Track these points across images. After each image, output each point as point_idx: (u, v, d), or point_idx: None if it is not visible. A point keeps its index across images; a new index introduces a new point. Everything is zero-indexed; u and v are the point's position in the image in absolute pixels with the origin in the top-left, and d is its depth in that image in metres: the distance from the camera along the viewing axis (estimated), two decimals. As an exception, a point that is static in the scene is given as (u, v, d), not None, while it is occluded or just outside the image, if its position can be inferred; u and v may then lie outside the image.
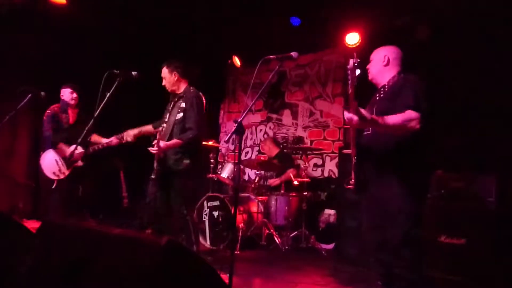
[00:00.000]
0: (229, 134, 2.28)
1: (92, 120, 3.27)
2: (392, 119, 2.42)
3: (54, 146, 4.22)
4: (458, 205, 3.51)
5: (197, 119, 3.40)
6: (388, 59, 2.78)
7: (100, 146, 4.15)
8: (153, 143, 3.30)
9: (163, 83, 3.63)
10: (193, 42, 6.16)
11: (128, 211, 6.41)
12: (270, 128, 6.98)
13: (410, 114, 2.44)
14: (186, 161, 3.37)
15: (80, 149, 4.07)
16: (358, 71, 2.30)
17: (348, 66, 2.26)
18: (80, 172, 4.21)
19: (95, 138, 4.34)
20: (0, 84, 5.07)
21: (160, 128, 3.51)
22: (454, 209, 3.52)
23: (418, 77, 2.64)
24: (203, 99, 3.57)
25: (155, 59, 3.72)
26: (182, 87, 3.60)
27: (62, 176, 4.10)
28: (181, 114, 3.42)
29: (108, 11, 5.25)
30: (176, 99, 3.59)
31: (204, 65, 6.95)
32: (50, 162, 4.14)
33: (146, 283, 1.26)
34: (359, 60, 2.26)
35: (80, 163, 4.18)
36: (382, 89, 2.78)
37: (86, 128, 3.25)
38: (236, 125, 2.16)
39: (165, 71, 3.58)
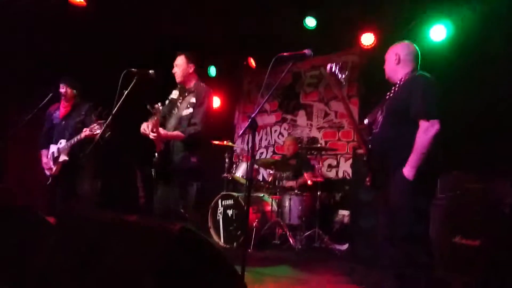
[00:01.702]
0: (243, 129, 2.32)
1: (111, 117, 3.34)
2: (418, 148, 2.45)
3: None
4: (474, 206, 3.47)
5: (204, 116, 3.28)
6: (399, 57, 2.79)
7: (76, 139, 4.02)
8: (151, 128, 3.10)
9: (173, 71, 3.50)
10: (209, 43, 6.22)
11: (145, 210, 6.51)
12: (284, 128, 7.00)
13: (423, 126, 2.47)
14: (194, 159, 3.28)
15: (63, 143, 4.14)
16: (342, 75, 2.36)
17: (327, 71, 2.34)
18: (70, 167, 4.13)
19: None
20: (17, 83, 5.18)
21: (161, 117, 3.30)
22: (470, 210, 3.47)
23: (430, 79, 2.63)
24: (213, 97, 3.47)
25: (171, 59, 3.73)
26: (193, 81, 3.49)
27: (52, 172, 4.19)
28: (190, 110, 3.27)
29: (124, 10, 5.33)
30: (186, 94, 3.42)
31: (220, 66, 7.03)
32: (45, 161, 4.27)
33: (160, 270, 1.30)
34: (338, 65, 2.33)
35: (64, 157, 4.10)
36: (393, 88, 2.79)
37: (105, 124, 3.29)
38: (249, 120, 2.20)
39: (182, 60, 3.46)
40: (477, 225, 3.37)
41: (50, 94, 4.25)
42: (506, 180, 3.38)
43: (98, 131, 3.70)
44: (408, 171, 2.46)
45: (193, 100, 3.29)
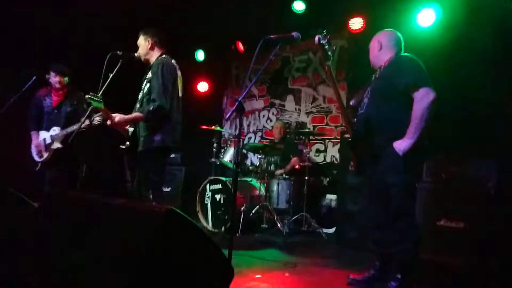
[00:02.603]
0: (230, 111, 2.30)
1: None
2: (415, 119, 2.46)
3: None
4: (458, 189, 3.53)
5: (162, 89, 2.96)
6: (381, 44, 2.83)
7: (74, 129, 3.98)
8: (104, 117, 3.01)
9: (136, 54, 3.32)
10: (196, 27, 6.14)
11: (132, 196, 6.49)
12: (273, 113, 6.99)
13: (417, 96, 2.47)
14: (157, 138, 2.99)
15: (57, 131, 4.13)
16: (331, 48, 2.36)
17: (315, 42, 2.34)
18: (64, 154, 4.12)
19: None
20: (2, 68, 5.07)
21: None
22: (454, 193, 3.53)
23: (414, 57, 2.66)
24: (174, 67, 3.16)
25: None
26: (155, 57, 3.23)
27: (43, 158, 4.18)
28: (148, 86, 3.08)
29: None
30: (146, 71, 3.24)
31: (208, 50, 6.96)
32: (36, 143, 4.23)
33: (146, 248, 1.31)
34: (326, 37, 2.33)
35: (58, 145, 4.10)
36: (378, 70, 2.82)
37: (90, 109, 3.23)
38: (236, 103, 2.19)
39: (140, 38, 3.30)
40: (461, 208, 3.44)
41: (34, 77, 4.16)
42: (489, 162, 3.44)
43: (98, 122, 3.65)
44: (404, 143, 2.47)
45: (149, 75, 3.13)
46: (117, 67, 3.18)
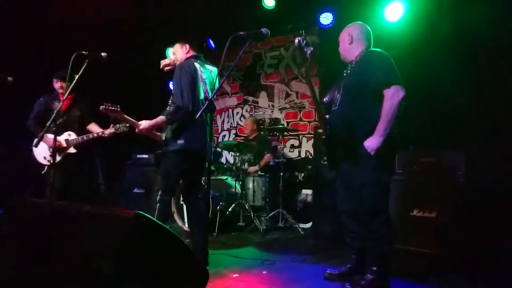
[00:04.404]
0: (200, 111, 2.26)
1: (61, 104, 3.19)
2: (385, 116, 2.49)
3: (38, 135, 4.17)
4: (429, 180, 3.60)
5: (180, 92, 2.96)
6: (352, 37, 2.83)
7: (92, 135, 4.10)
8: (128, 126, 3.11)
9: (169, 64, 3.37)
10: (167, 26, 6.04)
11: (106, 198, 6.34)
12: (246, 110, 6.97)
13: (388, 94, 2.50)
14: (181, 142, 2.99)
15: (73, 136, 4.15)
16: (309, 49, 2.35)
17: (295, 45, 2.33)
18: (74, 159, 4.17)
19: (93, 127, 4.33)
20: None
21: None
22: (426, 184, 3.61)
23: (384, 52, 2.69)
24: (194, 69, 3.09)
25: (130, 43, 3.57)
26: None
27: (51, 163, 4.03)
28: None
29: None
30: None
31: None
32: (42, 147, 4.12)
33: (114, 256, 1.26)
34: (306, 38, 2.32)
35: (72, 150, 4.14)
36: (349, 65, 2.83)
37: (55, 112, 3.13)
38: (207, 102, 2.14)
39: (177, 47, 3.33)
40: (433, 198, 3.51)
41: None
42: (458, 152, 3.53)
43: (124, 130, 3.81)
44: (374, 140, 2.49)
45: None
46: (83, 67, 3.08)
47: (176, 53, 3.34)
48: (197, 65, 3.13)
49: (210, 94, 3.11)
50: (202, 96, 3.09)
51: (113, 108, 3.03)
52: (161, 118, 3.08)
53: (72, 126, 4.23)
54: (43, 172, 4.15)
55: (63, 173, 4.07)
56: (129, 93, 5.99)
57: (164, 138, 3.13)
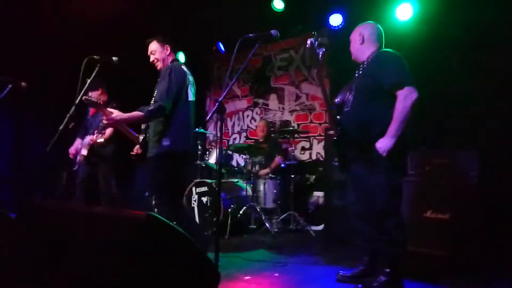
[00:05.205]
0: (211, 113, 2.26)
1: (74, 107, 3.22)
2: (398, 117, 2.47)
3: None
4: (442, 181, 3.56)
5: (165, 91, 2.88)
6: (363, 37, 2.81)
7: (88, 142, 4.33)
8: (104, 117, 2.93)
9: (151, 60, 3.27)
10: (176, 29, 6.08)
11: (116, 199, 6.37)
12: (256, 113, 6.97)
13: (401, 95, 2.48)
14: (166, 143, 2.89)
15: (87, 139, 4.38)
16: (321, 50, 2.34)
17: (307, 46, 2.31)
18: (99, 154, 4.43)
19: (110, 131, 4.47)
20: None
21: None
22: (438, 185, 3.56)
23: (396, 53, 2.66)
24: (184, 72, 3.09)
25: (139, 46, 3.58)
26: (168, 62, 3.20)
27: (78, 161, 4.50)
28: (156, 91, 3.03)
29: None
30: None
31: (189, 52, 6.89)
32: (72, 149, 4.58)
33: (127, 257, 1.26)
34: (318, 39, 2.31)
35: (84, 152, 4.37)
36: (361, 66, 2.80)
37: (67, 115, 3.16)
38: (217, 103, 2.15)
39: (155, 45, 3.22)
40: (446, 199, 3.47)
41: (9, 86, 4.04)
42: (471, 152, 3.48)
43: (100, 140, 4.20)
44: (386, 141, 2.47)
45: (159, 80, 3.08)
46: (95, 71, 3.11)
47: (156, 53, 3.24)
48: (185, 69, 3.15)
49: (194, 98, 3.17)
50: (193, 97, 3.14)
51: (95, 101, 2.95)
52: (137, 113, 2.91)
53: (93, 130, 4.44)
54: (75, 168, 4.51)
55: (84, 175, 4.43)
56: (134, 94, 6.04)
57: (144, 139, 3.03)
